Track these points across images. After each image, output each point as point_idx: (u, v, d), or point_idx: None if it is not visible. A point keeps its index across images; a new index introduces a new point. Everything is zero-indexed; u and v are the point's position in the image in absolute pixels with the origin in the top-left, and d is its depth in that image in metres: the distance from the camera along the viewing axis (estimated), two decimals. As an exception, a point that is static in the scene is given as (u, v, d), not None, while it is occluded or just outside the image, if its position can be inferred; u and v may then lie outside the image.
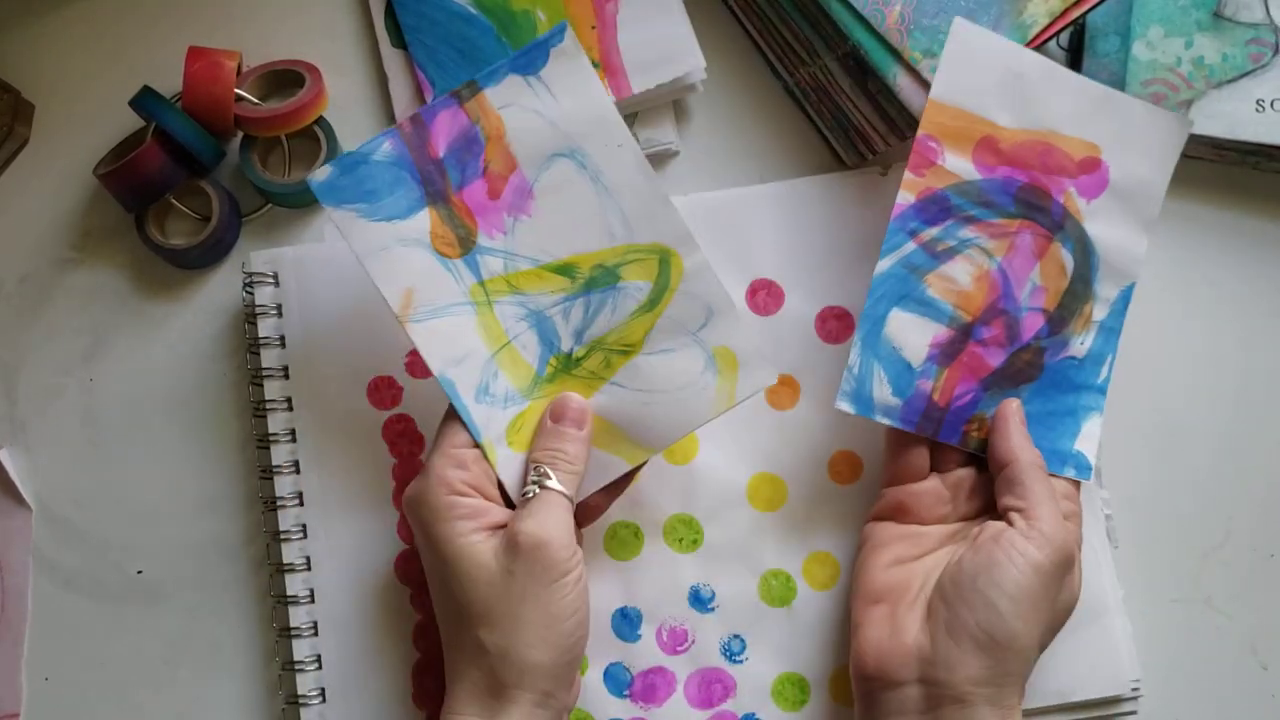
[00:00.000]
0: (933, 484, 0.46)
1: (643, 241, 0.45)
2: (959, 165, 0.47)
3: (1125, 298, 0.48)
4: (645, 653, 0.48)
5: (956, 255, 0.47)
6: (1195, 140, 0.52)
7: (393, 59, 0.53)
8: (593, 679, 0.48)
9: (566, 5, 0.49)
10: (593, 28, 0.49)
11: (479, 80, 0.45)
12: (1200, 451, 0.51)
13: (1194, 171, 0.53)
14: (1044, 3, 0.48)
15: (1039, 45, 0.49)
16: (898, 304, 0.46)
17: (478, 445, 0.44)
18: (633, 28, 0.51)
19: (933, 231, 0.47)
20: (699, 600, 0.48)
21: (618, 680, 0.48)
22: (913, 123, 0.49)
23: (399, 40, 0.52)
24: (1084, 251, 0.48)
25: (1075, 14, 0.49)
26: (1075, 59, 0.53)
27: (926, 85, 0.48)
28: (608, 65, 0.49)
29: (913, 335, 0.46)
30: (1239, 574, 0.50)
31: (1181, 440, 0.51)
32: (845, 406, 0.45)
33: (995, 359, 0.47)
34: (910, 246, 0.47)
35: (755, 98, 0.54)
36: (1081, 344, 0.48)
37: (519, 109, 0.45)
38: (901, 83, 0.48)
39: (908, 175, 0.47)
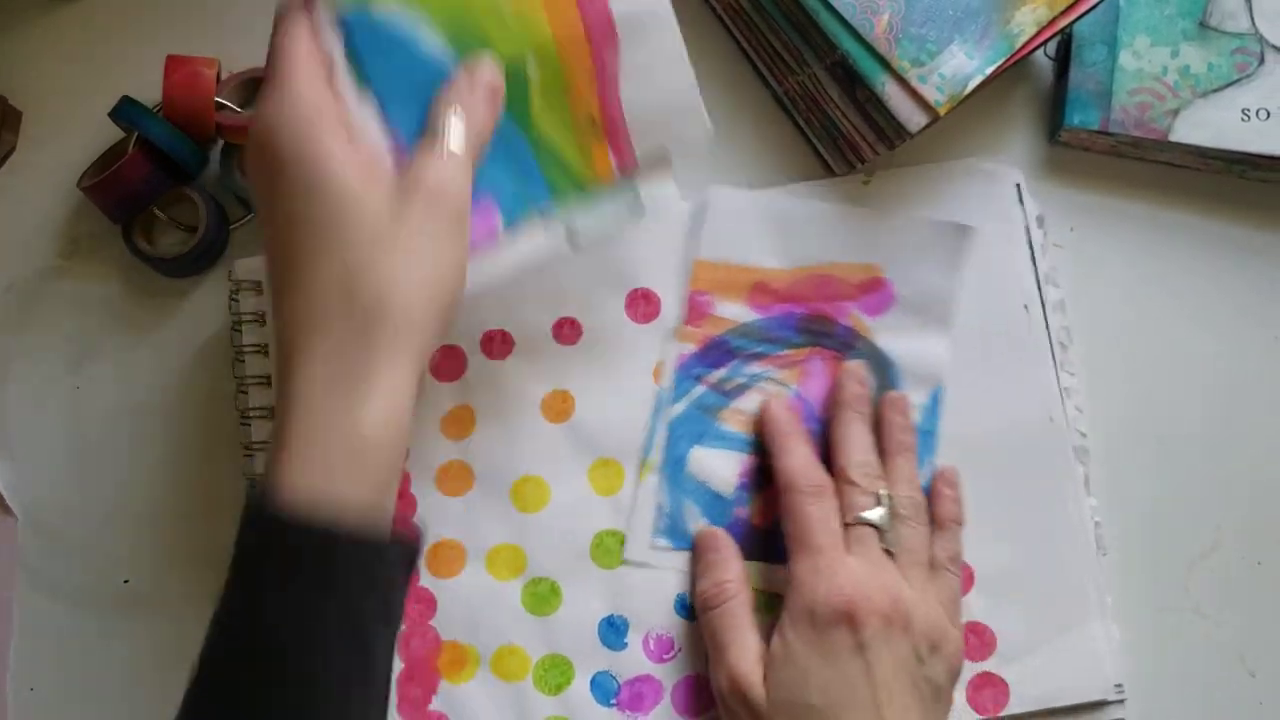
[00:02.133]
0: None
1: None
2: (735, 311, 0.50)
3: (935, 398, 0.49)
4: (632, 661, 0.48)
5: (748, 390, 0.49)
6: (1181, 149, 0.52)
7: (358, 105, 0.41)
8: (579, 688, 0.48)
9: (560, 55, 0.41)
10: (592, 79, 0.42)
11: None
12: (1187, 459, 0.51)
13: (1180, 180, 0.54)
14: (1031, 12, 0.49)
15: (1026, 55, 0.49)
16: (697, 442, 0.49)
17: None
18: (635, 81, 0.43)
19: (720, 373, 0.49)
20: (685, 608, 0.48)
21: (605, 689, 0.48)
22: (901, 132, 0.49)
23: (365, 83, 0.42)
24: (880, 364, 0.50)
25: (1062, 24, 0.49)
26: (1062, 68, 0.54)
27: (915, 94, 0.48)
28: (608, 126, 0.43)
29: (719, 468, 0.48)
30: (1227, 582, 0.50)
31: (1169, 448, 0.51)
32: (663, 543, 0.47)
33: None
34: (699, 389, 0.49)
35: (743, 106, 0.54)
36: None
37: None
38: (890, 91, 0.48)
39: (684, 327, 0.49)
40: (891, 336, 0.50)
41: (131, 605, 0.50)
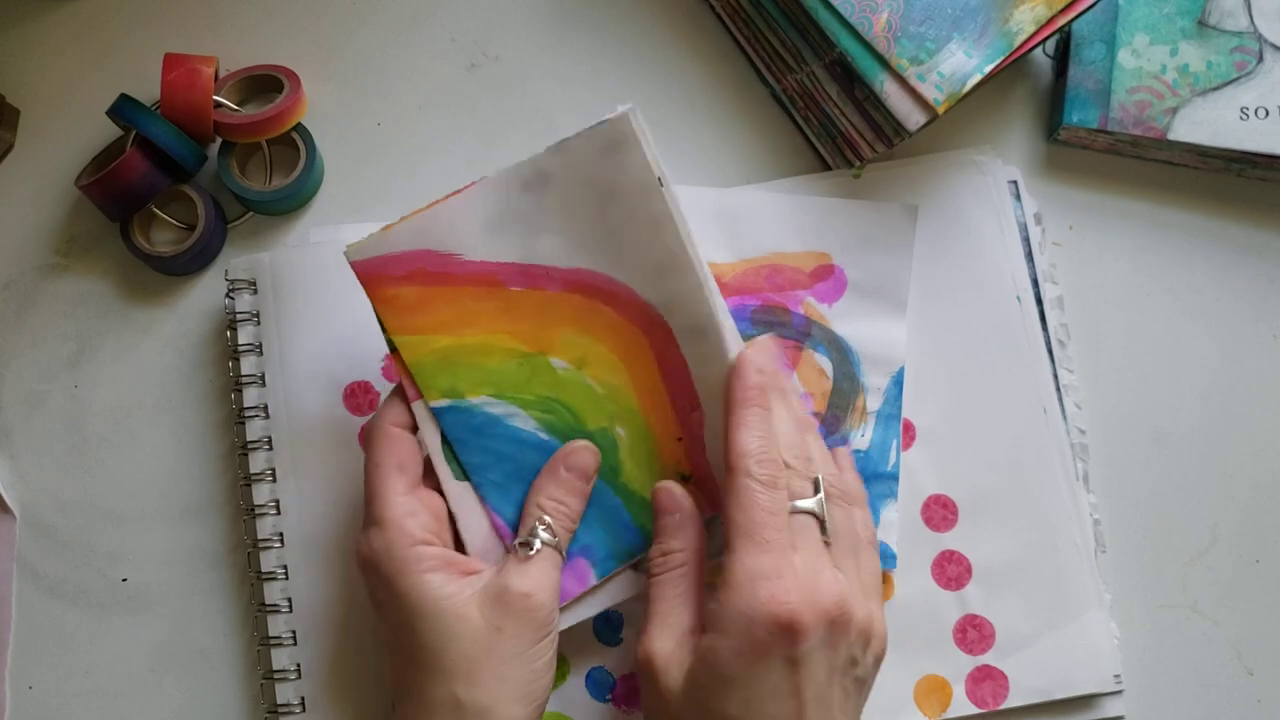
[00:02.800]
0: None
1: None
2: None
3: (897, 382, 0.50)
4: (627, 656, 0.48)
5: None
6: (1180, 148, 0.52)
7: (459, 494, 0.44)
8: (575, 683, 0.48)
9: (647, 420, 0.44)
10: (679, 439, 0.44)
11: None
12: (1186, 457, 0.51)
13: (1178, 179, 0.54)
14: (1030, 10, 0.49)
15: (1025, 53, 0.49)
16: None
17: (413, 487, 0.42)
18: (720, 438, 0.43)
19: None
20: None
21: (600, 684, 0.48)
22: (900, 130, 0.49)
23: (462, 473, 0.44)
24: (839, 350, 0.50)
25: (1061, 22, 0.49)
26: (1061, 67, 0.54)
27: (914, 92, 0.48)
28: (699, 480, 0.45)
29: None
30: (1225, 579, 0.50)
31: (1167, 446, 0.52)
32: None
33: None
34: None
35: (742, 104, 0.54)
36: (862, 436, 0.49)
37: None
38: (888, 90, 0.48)
39: None
40: (847, 323, 0.50)
41: (130, 603, 0.50)
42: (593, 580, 0.44)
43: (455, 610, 0.40)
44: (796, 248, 0.51)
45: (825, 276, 0.50)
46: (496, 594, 0.40)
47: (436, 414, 0.43)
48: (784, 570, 0.39)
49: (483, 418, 0.44)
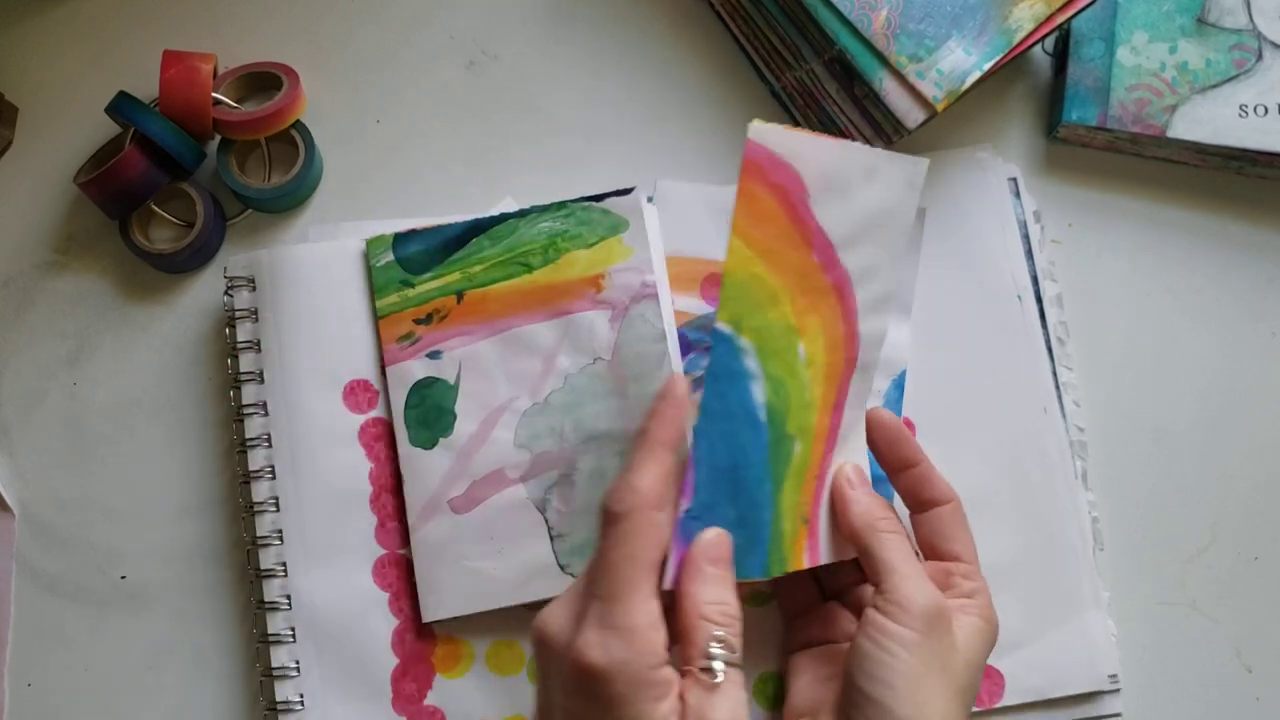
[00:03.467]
0: (829, 607, 0.45)
1: None
2: (688, 304, 0.50)
3: (899, 385, 0.50)
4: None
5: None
6: (1179, 145, 0.52)
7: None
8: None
9: (812, 446, 0.41)
10: (816, 477, 0.42)
11: None
12: (1185, 455, 0.51)
13: (1177, 177, 0.54)
14: (1029, 8, 0.49)
15: (1024, 50, 0.49)
16: None
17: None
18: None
19: None
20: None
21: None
22: (898, 127, 0.49)
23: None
24: None
25: (1060, 19, 0.49)
26: (1060, 64, 0.54)
27: (913, 90, 0.48)
28: (811, 526, 0.42)
29: None
30: (1224, 577, 0.50)
31: (1166, 444, 0.52)
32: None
33: None
34: None
35: (741, 102, 0.54)
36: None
37: None
38: (888, 87, 0.48)
39: None
40: None
41: (128, 601, 0.50)
42: None
43: None
44: None
45: None
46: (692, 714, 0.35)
47: (715, 335, 0.39)
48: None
49: (739, 367, 0.39)
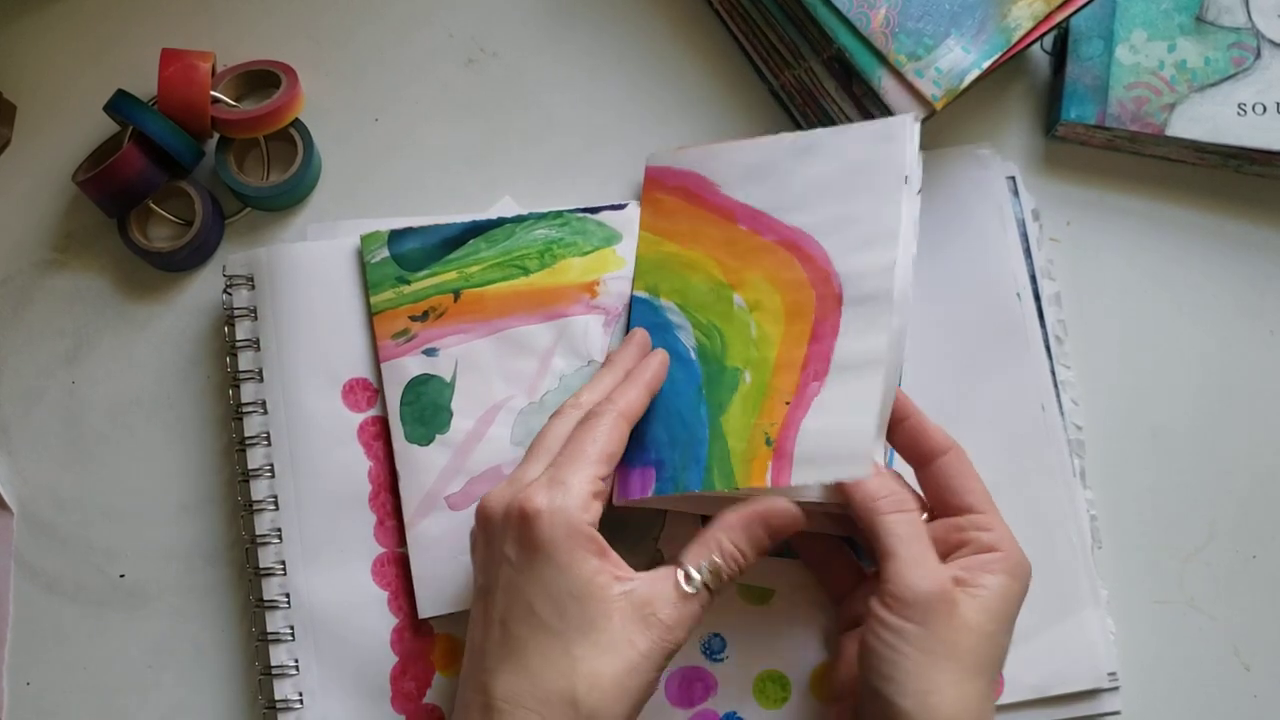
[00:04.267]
0: (870, 583, 0.45)
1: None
2: None
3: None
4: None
5: None
6: (1178, 144, 0.52)
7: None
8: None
9: (774, 375, 0.45)
10: (786, 403, 0.44)
11: None
12: (1182, 453, 0.51)
13: (1176, 175, 0.54)
14: (1028, 6, 0.49)
15: (1023, 49, 0.49)
16: None
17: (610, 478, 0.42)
18: (821, 415, 0.43)
19: None
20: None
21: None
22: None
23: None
24: None
25: (1059, 18, 0.49)
26: (1059, 63, 0.54)
27: (912, 88, 0.48)
28: (779, 446, 0.43)
29: None
30: (1222, 575, 0.50)
31: (1164, 442, 0.52)
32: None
33: None
34: None
35: (741, 100, 0.54)
36: None
37: None
38: (886, 86, 0.48)
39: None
40: None
41: (127, 599, 0.50)
42: (649, 494, 0.44)
43: (605, 605, 0.38)
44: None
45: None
46: (642, 610, 0.38)
47: (633, 301, 0.49)
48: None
49: (662, 320, 0.48)
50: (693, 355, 0.47)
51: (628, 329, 0.49)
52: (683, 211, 0.49)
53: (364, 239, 0.50)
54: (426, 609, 0.47)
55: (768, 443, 0.43)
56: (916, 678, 0.37)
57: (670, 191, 0.50)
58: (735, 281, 0.47)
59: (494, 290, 0.49)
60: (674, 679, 0.48)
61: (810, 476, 0.42)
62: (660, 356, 0.46)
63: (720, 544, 0.40)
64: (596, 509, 0.40)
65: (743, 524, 0.41)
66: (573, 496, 0.39)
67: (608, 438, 0.41)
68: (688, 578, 0.40)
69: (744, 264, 0.47)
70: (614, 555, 0.40)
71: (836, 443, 0.42)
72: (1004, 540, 0.41)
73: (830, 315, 0.45)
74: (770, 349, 0.45)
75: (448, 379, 0.49)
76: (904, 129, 0.45)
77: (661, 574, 0.40)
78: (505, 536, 0.40)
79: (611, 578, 0.39)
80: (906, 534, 0.40)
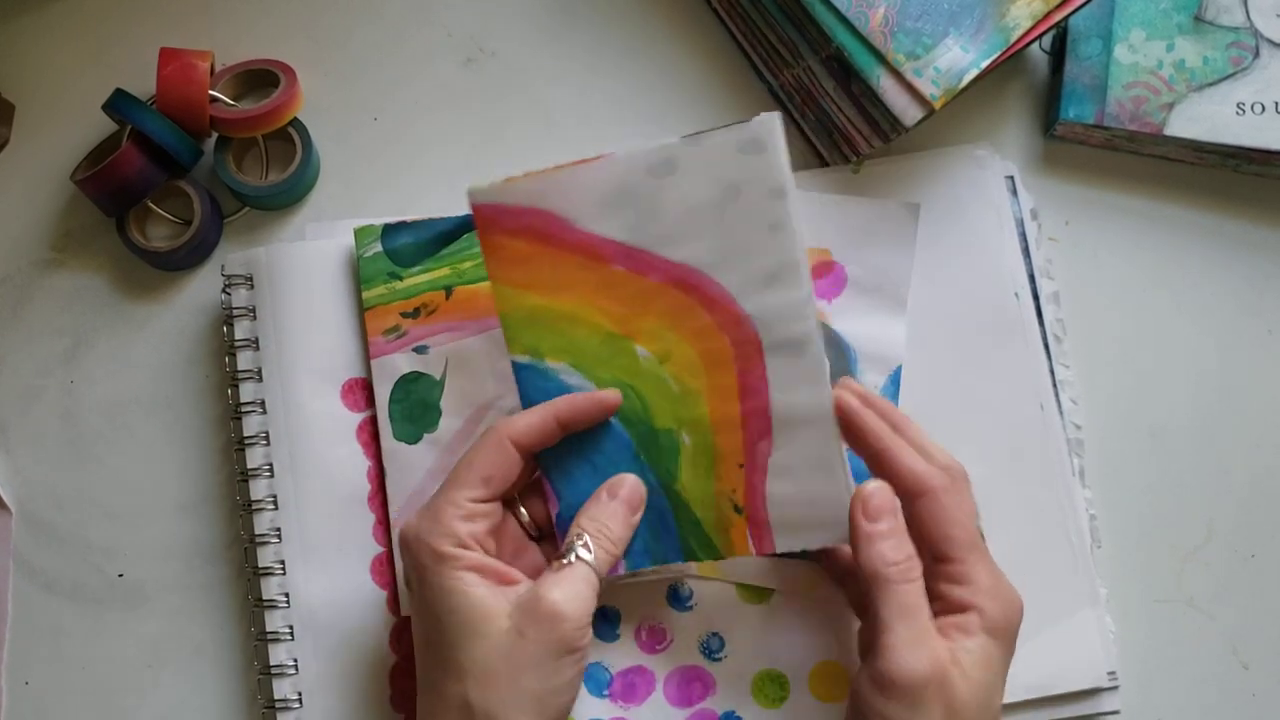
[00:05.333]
0: None
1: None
2: None
3: (895, 380, 0.50)
4: (624, 652, 0.48)
5: None
6: (1176, 143, 0.52)
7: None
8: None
9: (715, 435, 0.43)
10: (740, 465, 0.42)
11: None
12: (1181, 452, 0.51)
13: (1175, 175, 0.54)
14: (1027, 6, 0.49)
15: (1022, 48, 0.49)
16: None
17: (491, 500, 0.42)
18: (784, 480, 0.42)
19: None
20: (677, 598, 0.48)
21: (597, 680, 0.48)
22: (897, 125, 0.49)
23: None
24: (836, 348, 0.50)
25: (1058, 17, 0.49)
26: (1058, 62, 0.54)
27: (910, 88, 0.48)
28: (751, 515, 0.43)
29: None
30: (1220, 574, 0.50)
31: (1163, 441, 0.52)
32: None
33: None
34: None
35: (739, 100, 0.54)
36: None
37: None
38: (885, 85, 0.48)
39: None
40: (846, 320, 0.50)
41: (126, 598, 0.50)
42: (621, 571, 0.44)
43: (483, 609, 0.39)
44: None
45: (825, 273, 0.50)
46: (528, 601, 0.39)
47: (516, 369, 0.44)
48: None
49: (557, 385, 0.43)
50: (613, 419, 0.43)
51: (522, 395, 0.44)
52: (538, 256, 0.42)
53: (357, 233, 0.50)
54: (409, 607, 0.47)
55: (737, 510, 0.43)
56: None
57: (514, 235, 0.43)
58: (630, 331, 0.43)
59: (487, 288, 0.49)
60: (673, 678, 0.48)
61: (794, 544, 0.43)
62: (578, 396, 0.43)
63: (582, 525, 0.42)
64: (472, 527, 0.41)
65: (594, 503, 0.43)
66: (440, 521, 0.41)
67: (484, 460, 0.41)
68: (561, 557, 0.41)
69: (633, 311, 0.43)
70: (496, 565, 0.41)
71: (809, 512, 0.42)
72: (980, 592, 0.39)
73: (754, 365, 0.42)
74: (697, 406, 0.43)
75: (437, 377, 0.49)
76: (772, 134, 0.40)
77: (545, 573, 0.41)
78: (405, 562, 0.42)
79: (493, 585, 0.40)
80: (909, 605, 0.39)
